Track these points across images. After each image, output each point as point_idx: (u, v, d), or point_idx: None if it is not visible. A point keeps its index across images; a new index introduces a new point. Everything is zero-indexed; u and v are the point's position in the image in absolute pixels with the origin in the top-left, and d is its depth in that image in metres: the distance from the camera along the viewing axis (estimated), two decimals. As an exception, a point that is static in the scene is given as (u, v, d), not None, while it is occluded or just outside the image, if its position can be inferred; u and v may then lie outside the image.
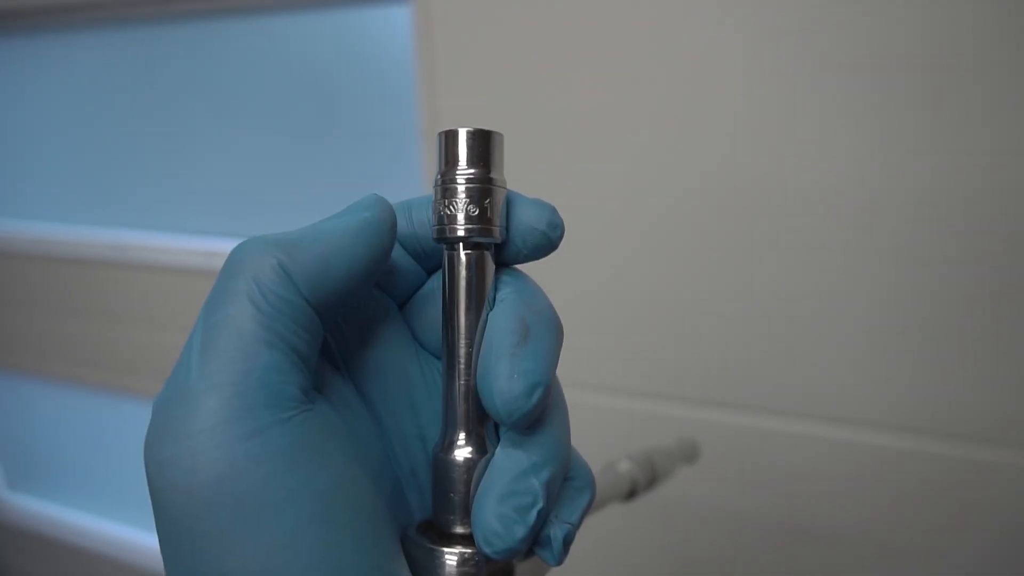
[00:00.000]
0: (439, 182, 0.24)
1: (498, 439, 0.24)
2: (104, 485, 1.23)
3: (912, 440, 0.59)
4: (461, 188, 0.23)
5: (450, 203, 0.23)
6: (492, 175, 0.23)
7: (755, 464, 0.67)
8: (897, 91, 0.52)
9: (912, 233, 0.54)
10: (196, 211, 0.93)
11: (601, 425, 0.72)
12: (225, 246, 0.90)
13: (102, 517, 1.24)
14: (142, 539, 1.22)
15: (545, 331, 0.22)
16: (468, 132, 0.23)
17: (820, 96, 0.54)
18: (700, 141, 0.59)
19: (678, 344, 0.66)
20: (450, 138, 0.23)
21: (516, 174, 0.58)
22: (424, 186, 0.77)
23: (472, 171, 0.23)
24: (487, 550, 0.21)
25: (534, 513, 0.21)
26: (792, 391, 0.63)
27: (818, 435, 0.63)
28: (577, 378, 0.71)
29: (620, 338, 0.69)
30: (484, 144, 0.23)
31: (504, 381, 0.21)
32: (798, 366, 0.62)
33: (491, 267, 0.24)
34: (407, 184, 0.81)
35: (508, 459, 0.22)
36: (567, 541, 0.22)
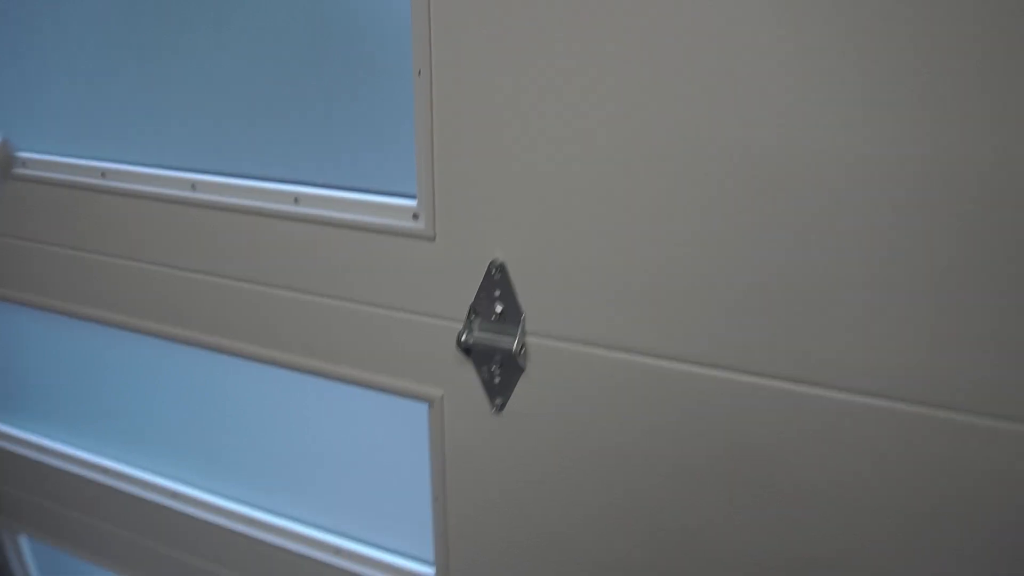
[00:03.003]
0: None
1: None
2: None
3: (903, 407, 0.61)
4: None
5: None
6: None
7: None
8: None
9: (915, 205, 0.55)
10: (181, 144, 0.90)
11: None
12: (210, 179, 0.88)
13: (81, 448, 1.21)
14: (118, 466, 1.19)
15: None
16: None
17: (811, 58, 0.54)
18: (699, 107, 0.59)
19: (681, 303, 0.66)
20: None
21: (514, 121, 0.64)
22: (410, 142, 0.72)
23: None
24: None
25: None
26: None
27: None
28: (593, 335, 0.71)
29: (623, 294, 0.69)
30: None
31: None
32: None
33: None
34: (399, 124, 0.76)
35: None
36: None
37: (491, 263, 0.73)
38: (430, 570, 0.95)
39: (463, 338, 0.75)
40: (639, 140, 0.63)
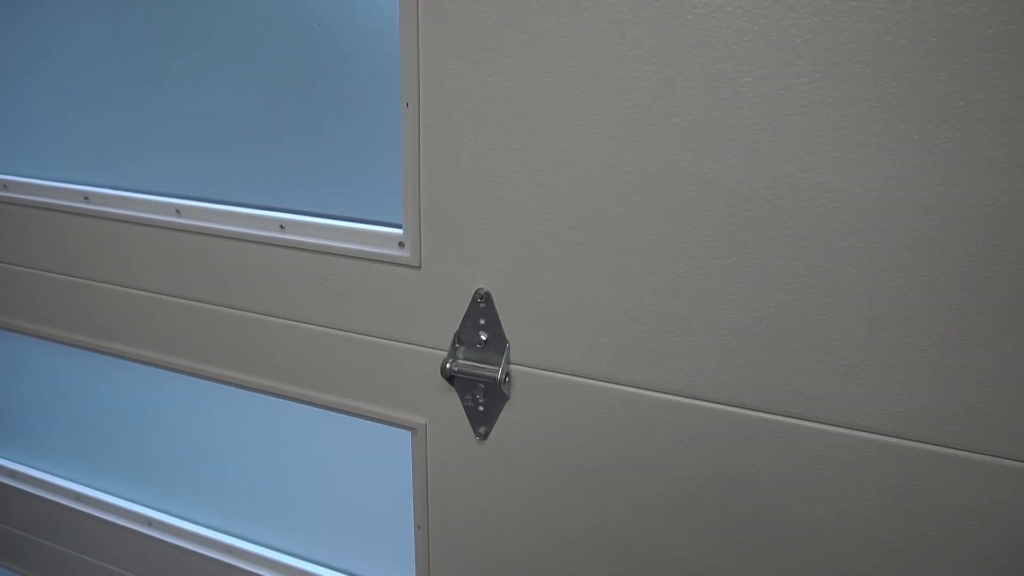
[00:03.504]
0: None
1: None
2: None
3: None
4: None
5: None
6: None
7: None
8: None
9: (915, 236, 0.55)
10: (167, 170, 0.88)
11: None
12: (195, 204, 0.87)
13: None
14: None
15: None
16: None
17: (822, 91, 0.54)
18: (688, 143, 0.60)
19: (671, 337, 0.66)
20: None
21: (500, 153, 0.64)
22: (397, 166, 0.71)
23: None
24: None
25: None
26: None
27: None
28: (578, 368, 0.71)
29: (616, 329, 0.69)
30: None
31: None
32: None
33: None
34: (386, 153, 0.76)
35: None
36: None
37: (476, 292, 0.72)
38: (411, 600, 0.93)
39: (447, 366, 0.74)
40: (628, 175, 0.63)
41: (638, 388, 0.69)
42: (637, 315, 0.67)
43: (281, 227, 0.81)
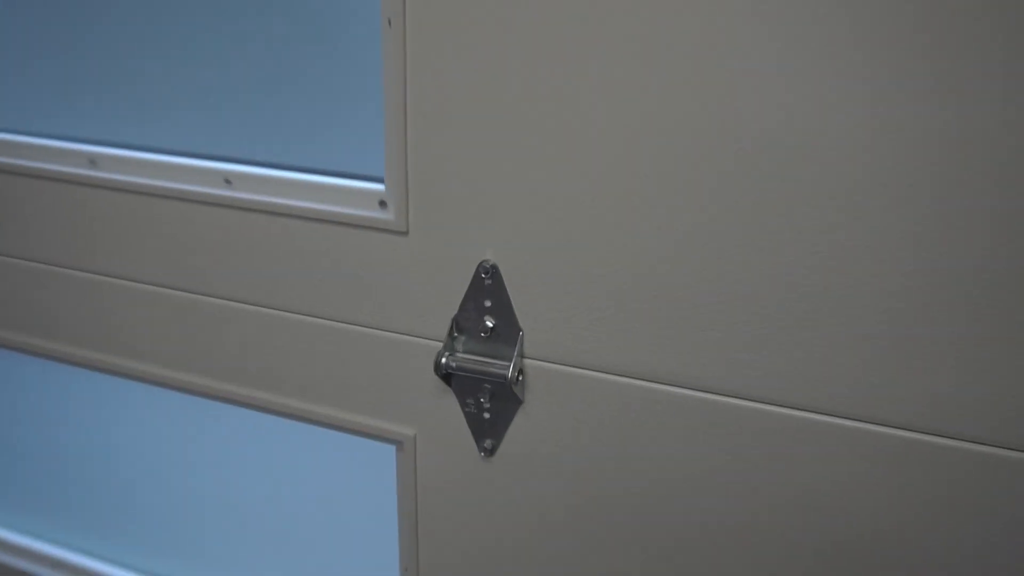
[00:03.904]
0: None
1: None
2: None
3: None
4: None
5: None
6: None
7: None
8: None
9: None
10: (79, 111, 0.84)
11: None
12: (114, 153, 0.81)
13: None
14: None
15: None
16: None
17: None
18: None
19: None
20: None
21: (513, 79, 0.62)
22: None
23: None
24: None
25: None
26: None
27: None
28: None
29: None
30: None
31: None
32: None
33: None
34: (364, 87, 0.71)
35: None
36: None
37: (480, 265, 0.68)
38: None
39: (443, 361, 0.69)
40: (693, 115, 0.58)
41: (692, 389, 0.65)
42: (698, 297, 0.63)
43: (227, 182, 0.75)
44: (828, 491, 0.63)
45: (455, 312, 0.70)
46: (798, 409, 0.61)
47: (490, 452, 0.74)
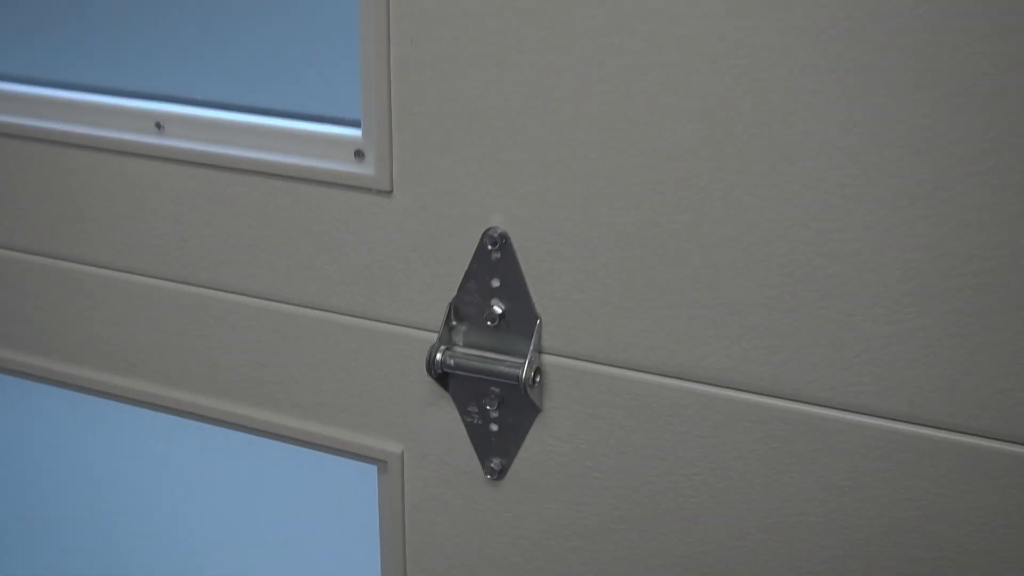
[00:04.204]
0: None
1: None
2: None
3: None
4: None
5: None
6: None
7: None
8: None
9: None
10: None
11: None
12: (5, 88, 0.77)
13: None
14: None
15: None
16: None
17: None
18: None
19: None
20: None
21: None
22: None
23: None
24: None
25: None
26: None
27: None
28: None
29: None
30: None
31: None
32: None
33: None
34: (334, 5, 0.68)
35: None
36: None
37: (486, 233, 0.63)
38: None
39: (438, 358, 0.65)
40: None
41: (769, 397, 0.60)
42: (763, 284, 0.58)
43: (158, 126, 0.70)
44: (931, 503, 0.60)
45: (453, 295, 0.65)
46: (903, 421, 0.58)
47: (498, 474, 0.68)
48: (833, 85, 0.53)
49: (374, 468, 0.73)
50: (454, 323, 0.65)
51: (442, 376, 0.65)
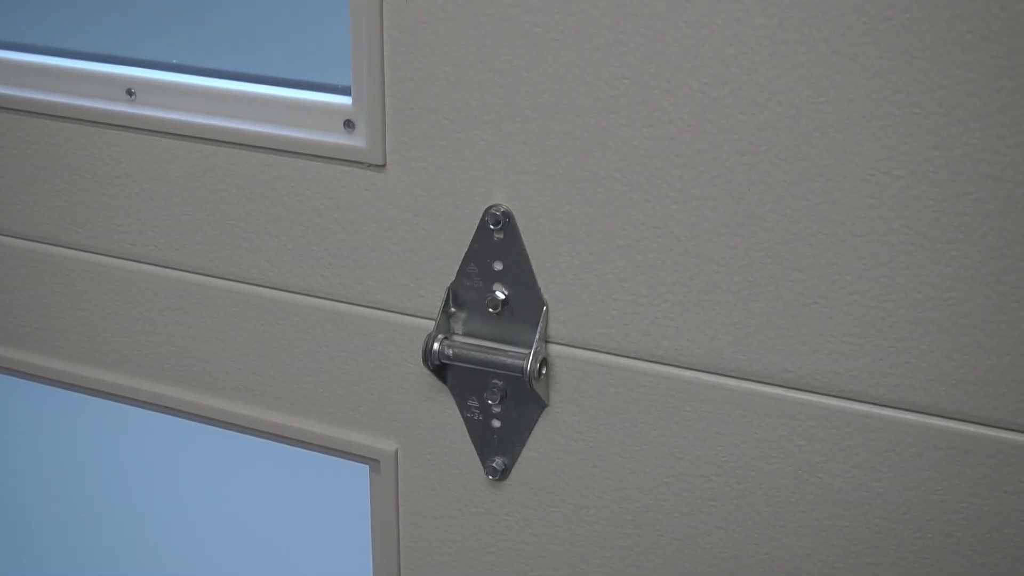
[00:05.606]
0: None
1: None
2: None
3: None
4: None
5: None
6: None
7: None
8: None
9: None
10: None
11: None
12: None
13: None
14: None
15: None
16: None
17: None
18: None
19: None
20: None
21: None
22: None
23: None
24: None
25: None
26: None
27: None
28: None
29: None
30: None
31: None
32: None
33: None
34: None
35: None
36: None
37: (487, 212, 0.61)
38: None
39: (435, 348, 0.62)
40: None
41: (796, 390, 0.58)
42: (790, 267, 0.57)
43: (129, 93, 0.67)
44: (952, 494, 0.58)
45: (452, 279, 0.62)
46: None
47: (501, 474, 0.66)
48: (870, 49, 0.51)
49: (365, 470, 0.70)
50: (453, 310, 0.63)
51: (440, 368, 0.63)
